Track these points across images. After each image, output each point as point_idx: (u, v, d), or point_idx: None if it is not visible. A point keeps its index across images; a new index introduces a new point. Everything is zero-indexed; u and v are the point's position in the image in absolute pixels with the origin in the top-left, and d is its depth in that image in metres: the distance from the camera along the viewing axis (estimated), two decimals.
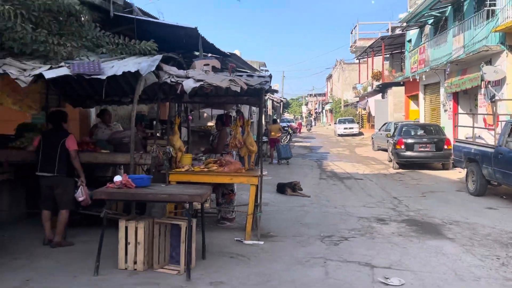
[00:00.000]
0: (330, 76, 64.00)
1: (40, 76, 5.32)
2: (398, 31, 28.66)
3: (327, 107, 65.97)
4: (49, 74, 5.21)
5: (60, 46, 5.61)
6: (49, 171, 5.76)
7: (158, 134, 7.05)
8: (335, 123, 44.59)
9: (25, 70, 5.31)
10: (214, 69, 6.45)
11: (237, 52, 13.57)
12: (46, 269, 4.95)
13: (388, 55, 32.33)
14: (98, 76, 5.24)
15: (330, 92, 64.04)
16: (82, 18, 6.20)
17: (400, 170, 15.61)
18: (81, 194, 5.71)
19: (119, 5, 8.04)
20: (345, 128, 38.18)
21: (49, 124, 6.42)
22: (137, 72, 5.27)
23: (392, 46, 30.35)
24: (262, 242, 6.04)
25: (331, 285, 4.52)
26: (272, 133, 17.93)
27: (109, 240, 4.94)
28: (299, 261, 5.31)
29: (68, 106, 7.50)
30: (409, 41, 25.99)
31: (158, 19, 8.65)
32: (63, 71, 5.28)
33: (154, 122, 8.94)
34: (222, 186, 6.91)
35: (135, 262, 4.86)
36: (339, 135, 38.46)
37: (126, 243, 4.88)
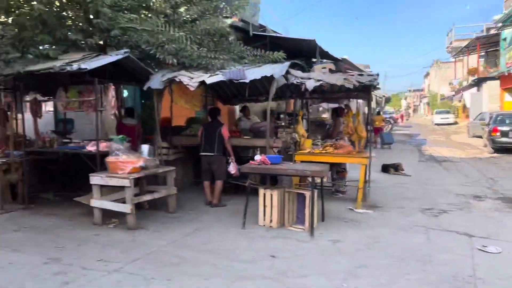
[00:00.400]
0: (427, 74, 66.48)
1: (202, 82, 6.37)
2: (492, 32, 28.59)
3: (425, 100, 68.79)
4: (209, 80, 6.25)
5: (215, 59, 6.64)
6: (209, 151, 6.86)
7: (285, 124, 7.87)
8: (432, 114, 46.63)
9: (192, 78, 6.38)
10: (330, 71, 7.08)
11: (346, 57, 14.05)
12: (208, 222, 6.06)
13: (483, 53, 31.65)
14: (243, 80, 6.11)
15: (428, 88, 66.39)
16: (230, 38, 7.19)
17: (495, 155, 15.28)
18: (233, 169, 6.70)
19: (256, 26, 9.15)
20: (441, 118, 39.33)
21: (208, 117, 7.51)
22: (271, 76, 6.05)
23: (487, 45, 30.02)
24: (370, 211, 6.52)
25: (433, 249, 4.80)
26: (376, 123, 18.39)
27: (251, 203, 5.82)
28: (403, 228, 5.70)
29: (219, 104, 8.59)
30: (504, 39, 25.91)
31: (281, 34, 9.52)
32: (218, 77, 6.27)
33: (281, 115, 9.93)
34: (336, 165, 7.43)
35: (270, 221, 5.75)
36: (436, 124, 39.35)
37: (264, 206, 5.78)
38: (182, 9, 7.29)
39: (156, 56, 6.63)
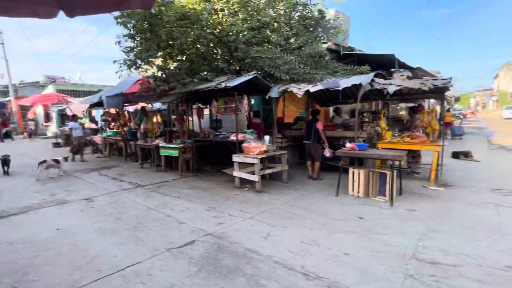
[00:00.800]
0: (497, 75, 56.93)
1: (307, 91, 6.29)
2: None
3: (494, 98, 57.71)
4: (312, 89, 6.16)
5: (316, 74, 6.53)
6: (308, 140, 6.83)
7: (369, 120, 7.40)
8: (501, 110, 37.94)
9: (300, 88, 6.35)
10: (408, 77, 6.38)
11: (419, 66, 12.33)
12: (310, 191, 6.03)
13: None
14: (337, 88, 5.89)
15: (497, 87, 56.02)
16: (326, 58, 7.03)
17: None
18: (327, 152, 6.55)
19: (346, 47, 8.72)
20: (511, 113, 31.28)
21: (310, 116, 7.37)
22: (360, 84, 5.72)
23: None
24: (442, 189, 5.76)
25: (502, 222, 4.11)
26: (447, 118, 15.59)
27: (342, 178, 5.66)
28: (473, 203, 4.92)
29: (318, 106, 8.43)
30: None
31: (365, 51, 8.85)
32: (319, 87, 6.15)
33: (365, 113, 9.28)
34: (412, 151, 6.71)
35: (358, 192, 5.53)
36: (505, 118, 31.58)
37: (353, 181, 5.58)
38: (292, 40, 7.28)
39: (274, 74, 6.74)
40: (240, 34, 7.03)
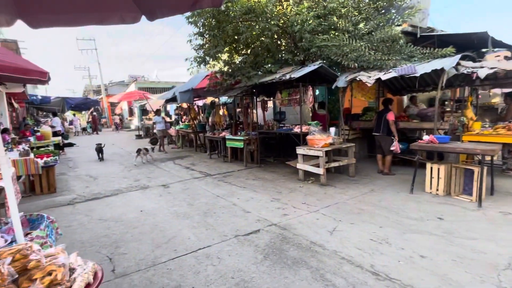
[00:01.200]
0: None
1: (378, 79, 5.87)
2: None
3: None
4: (384, 77, 5.71)
5: (388, 60, 6.00)
6: (377, 132, 6.44)
7: (451, 109, 6.55)
8: None
9: (370, 76, 5.95)
10: (506, 58, 5.43)
11: None
12: (381, 186, 5.67)
13: None
14: (414, 75, 5.34)
15: None
16: (400, 41, 6.44)
17: None
18: (394, 146, 6.06)
19: (424, 29, 7.79)
20: None
21: (381, 106, 6.99)
22: (441, 68, 5.09)
23: None
24: None
25: None
26: None
27: (417, 174, 5.18)
28: None
29: (389, 95, 7.76)
30: None
31: (449, 32, 7.78)
32: (391, 74, 5.66)
33: (446, 102, 8.22)
34: (508, 145, 5.74)
35: (437, 189, 5.00)
36: None
37: (431, 177, 5.06)
38: (361, 25, 6.79)
39: (341, 63, 6.44)
40: (305, 23, 6.86)
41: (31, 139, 9.84)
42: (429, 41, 7.30)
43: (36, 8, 2.31)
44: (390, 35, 6.28)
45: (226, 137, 8.65)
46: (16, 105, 16.52)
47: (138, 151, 9.17)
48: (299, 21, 6.89)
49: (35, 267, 1.38)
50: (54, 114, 15.59)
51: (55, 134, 12.65)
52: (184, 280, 2.81)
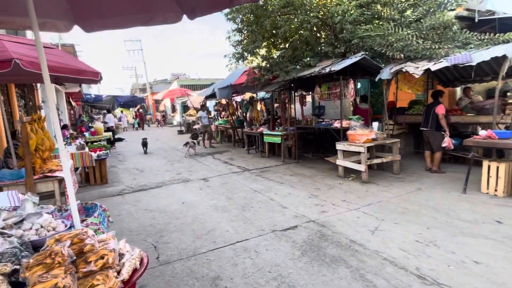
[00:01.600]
0: None
1: (427, 70, 5.45)
2: None
3: None
4: (434, 67, 5.29)
5: (439, 49, 5.53)
6: (425, 126, 6.03)
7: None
8: None
9: (417, 67, 5.53)
10: None
11: None
12: (429, 184, 5.30)
13: None
14: (470, 63, 4.89)
15: None
16: (454, 27, 5.93)
17: None
18: (445, 142, 5.62)
19: (483, 12, 7.05)
20: None
21: (430, 99, 6.49)
22: (503, 56, 4.59)
23: None
24: None
25: None
26: None
27: (472, 173, 4.80)
28: None
29: (440, 87, 7.23)
30: None
31: (508, 14, 6.91)
32: (443, 64, 5.23)
33: (508, 93, 7.40)
34: None
35: (495, 190, 4.56)
36: None
37: (488, 176, 4.62)
38: (408, 12, 6.34)
39: (386, 53, 6.09)
40: (347, 14, 6.59)
41: (86, 134, 10.80)
42: (488, 26, 6.66)
43: (89, 14, 2.51)
44: (442, 21, 5.80)
45: (264, 132, 8.69)
46: (73, 103, 18.19)
47: (186, 143, 9.96)
48: (339, 11, 6.64)
49: (89, 251, 1.52)
50: (108, 111, 17.02)
51: (108, 129, 13.82)
52: (222, 271, 2.90)
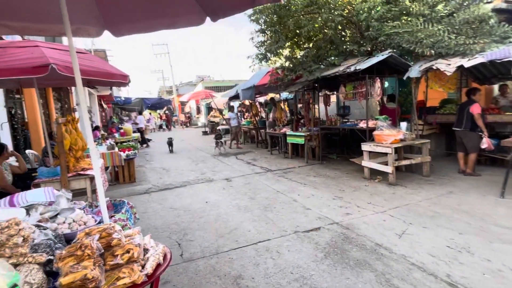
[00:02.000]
0: None
1: (459, 66, 5.16)
2: None
3: None
4: (468, 63, 5.02)
5: (474, 44, 5.26)
6: (458, 126, 5.75)
7: None
8: None
9: (449, 64, 5.26)
10: None
11: None
12: (461, 187, 5.03)
13: None
14: (508, 59, 4.55)
15: None
16: (491, 21, 5.58)
17: None
18: (485, 143, 5.29)
19: None
20: None
21: (464, 97, 6.16)
22: None
23: None
24: None
25: None
26: None
27: (510, 176, 4.50)
28: None
29: (475, 84, 6.76)
30: None
31: None
32: (478, 60, 4.92)
33: None
34: None
35: None
36: None
37: None
38: (439, 7, 6.04)
39: (415, 50, 5.85)
40: (373, 11, 6.41)
41: (116, 135, 11.31)
42: None
43: (118, 19, 2.63)
44: (477, 15, 5.48)
45: (287, 133, 8.64)
46: (104, 105, 19.11)
47: (217, 143, 10.46)
48: (365, 8, 6.48)
49: (116, 245, 1.59)
50: (139, 113, 17.87)
51: (138, 130, 14.50)
52: (244, 271, 2.92)
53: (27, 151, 5.74)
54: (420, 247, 3.18)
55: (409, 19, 6.15)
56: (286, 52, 8.44)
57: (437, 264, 2.84)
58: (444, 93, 7.19)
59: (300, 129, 8.53)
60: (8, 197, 2.24)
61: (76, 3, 2.35)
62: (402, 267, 2.82)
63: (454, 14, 5.89)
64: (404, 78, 5.90)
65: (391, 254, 3.07)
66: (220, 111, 17.45)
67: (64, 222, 1.97)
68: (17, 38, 5.67)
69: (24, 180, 4.22)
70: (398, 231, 3.59)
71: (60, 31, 2.63)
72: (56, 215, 2.10)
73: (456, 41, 5.47)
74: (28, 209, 2.09)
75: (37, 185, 3.73)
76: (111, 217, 2.42)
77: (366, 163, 6.00)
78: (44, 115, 7.72)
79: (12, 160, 4.47)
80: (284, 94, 11.33)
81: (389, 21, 6.44)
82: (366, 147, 5.98)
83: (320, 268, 2.88)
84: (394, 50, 6.31)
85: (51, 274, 1.49)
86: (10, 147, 5.67)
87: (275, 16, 7.55)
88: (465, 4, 6.07)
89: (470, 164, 5.70)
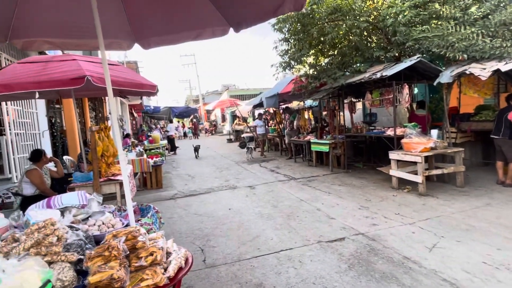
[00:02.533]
0: None
1: (496, 70, 4.87)
2: None
3: None
4: (505, 67, 4.73)
5: (511, 47, 5.04)
6: (496, 134, 5.43)
7: None
8: None
9: (484, 69, 4.99)
10: None
11: None
12: (500, 200, 4.71)
13: None
14: None
15: None
16: None
17: None
18: None
19: None
20: None
21: (503, 103, 5.77)
22: None
23: None
24: None
25: None
26: None
27: None
28: None
29: None
30: None
31: None
32: None
33: None
34: None
35: None
36: None
37: None
38: (473, 9, 5.77)
39: (446, 55, 5.61)
40: (400, 15, 6.25)
41: (145, 142, 11.80)
42: None
43: (147, 33, 2.79)
44: None
45: (311, 140, 8.56)
46: (135, 114, 20.00)
47: (248, 149, 10.96)
48: (392, 14, 6.33)
49: (141, 247, 1.66)
50: (171, 121, 18.70)
51: (167, 138, 15.19)
52: (266, 279, 2.91)
53: (64, 157, 6.14)
54: (452, 262, 3.00)
55: (439, 23, 5.94)
56: (310, 59, 8.42)
57: (472, 281, 2.66)
58: (479, 99, 6.79)
59: (324, 137, 8.42)
60: (45, 200, 2.41)
61: (110, 20, 2.53)
62: (432, 282, 2.68)
63: (489, 16, 5.60)
64: (435, 84, 5.67)
65: (420, 268, 2.92)
66: (245, 119, 17.64)
67: (94, 224, 2.09)
68: (59, 52, 6.14)
69: (61, 184, 4.51)
70: (428, 244, 3.42)
71: (95, 45, 2.83)
72: (87, 217, 2.23)
73: (491, 44, 5.20)
74: (63, 211, 2.24)
75: (72, 189, 3.97)
76: (137, 221, 2.52)
77: (394, 172, 5.78)
78: (80, 124, 8.24)
79: (51, 165, 4.81)
80: (308, 102, 11.26)
81: (417, 26, 6.25)
82: (394, 155, 5.77)
83: (344, 280, 2.80)
84: (424, 55, 6.12)
85: (81, 272, 1.58)
86: (49, 153, 6.09)
87: (298, 24, 7.59)
88: (502, 5, 5.76)
89: (510, 174, 5.33)
